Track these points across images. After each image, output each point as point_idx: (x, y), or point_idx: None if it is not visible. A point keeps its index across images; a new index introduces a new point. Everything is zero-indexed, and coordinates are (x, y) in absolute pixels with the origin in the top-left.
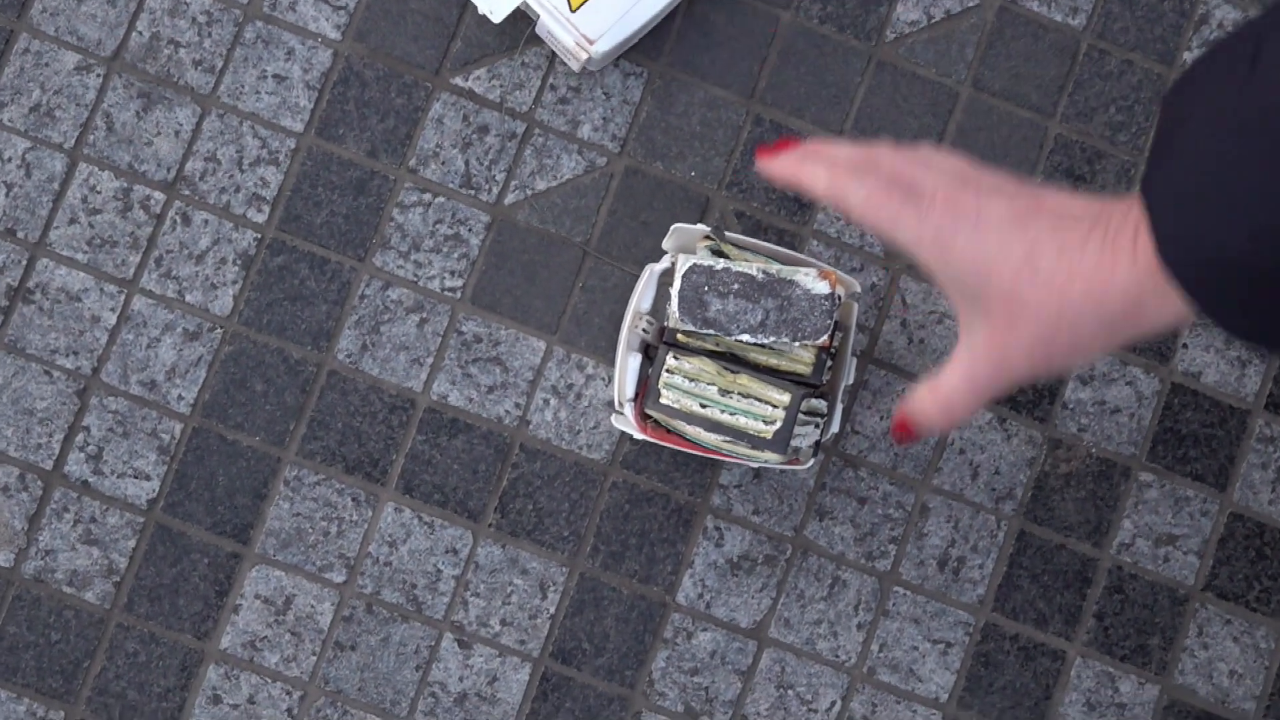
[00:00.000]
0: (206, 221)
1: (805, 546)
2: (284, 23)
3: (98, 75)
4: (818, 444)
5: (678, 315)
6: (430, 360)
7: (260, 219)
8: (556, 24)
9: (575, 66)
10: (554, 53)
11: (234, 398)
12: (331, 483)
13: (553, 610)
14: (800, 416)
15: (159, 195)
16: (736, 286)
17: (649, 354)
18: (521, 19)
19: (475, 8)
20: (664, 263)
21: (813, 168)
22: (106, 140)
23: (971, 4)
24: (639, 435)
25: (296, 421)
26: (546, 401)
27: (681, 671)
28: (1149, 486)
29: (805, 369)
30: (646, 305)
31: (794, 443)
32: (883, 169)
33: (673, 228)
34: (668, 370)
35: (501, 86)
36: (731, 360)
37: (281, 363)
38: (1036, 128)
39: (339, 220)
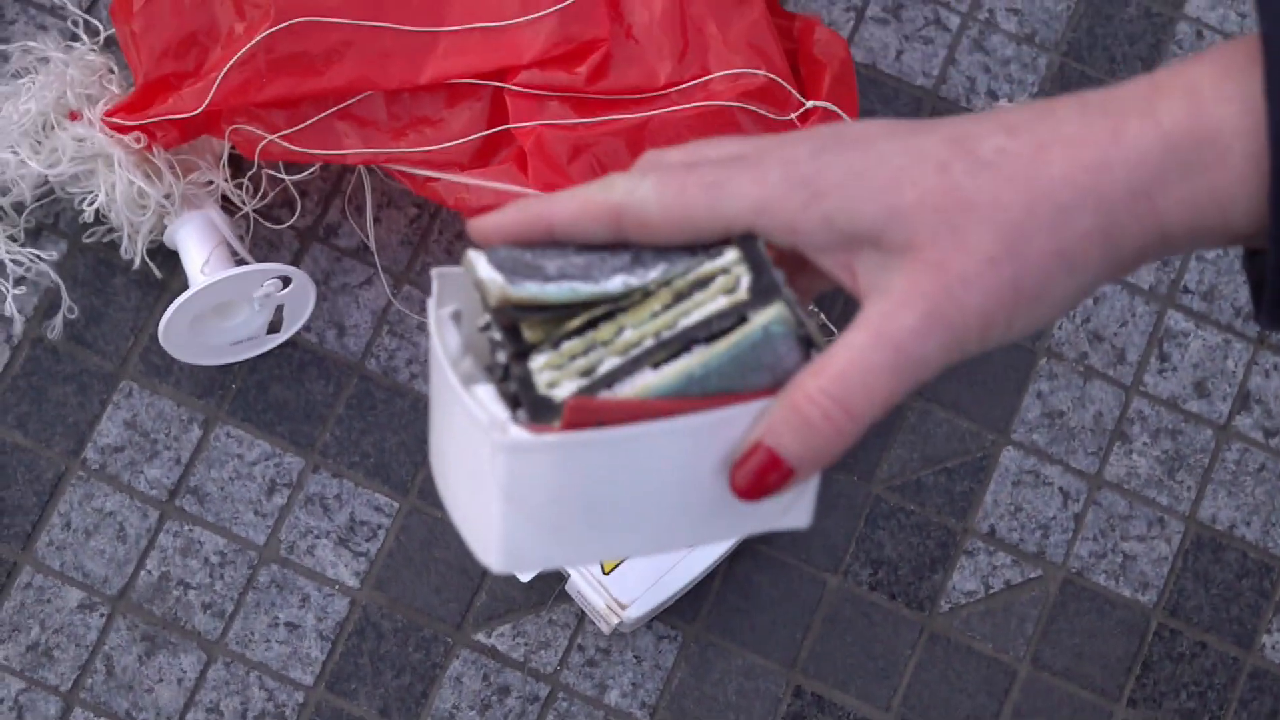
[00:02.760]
0: None
1: None
2: (301, 567)
3: (101, 615)
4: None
5: (502, 281)
6: None
7: None
8: (588, 585)
9: (605, 630)
10: (583, 611)
11: None
12: None
13: None
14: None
15: None
16: (574, 249)
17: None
18: (552, 574)
19: None
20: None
21: (557, 199)
22: (105, 685)
23: (1033, 575)
24: (549, 438)
25: None
26: None
27: None
28: None
29: (731, 287)
30: (456, 345)
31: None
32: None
33: (435, 273)
34: (543, 367)
35: (526, 645)
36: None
37: None
38: (1101, 711)
39: None
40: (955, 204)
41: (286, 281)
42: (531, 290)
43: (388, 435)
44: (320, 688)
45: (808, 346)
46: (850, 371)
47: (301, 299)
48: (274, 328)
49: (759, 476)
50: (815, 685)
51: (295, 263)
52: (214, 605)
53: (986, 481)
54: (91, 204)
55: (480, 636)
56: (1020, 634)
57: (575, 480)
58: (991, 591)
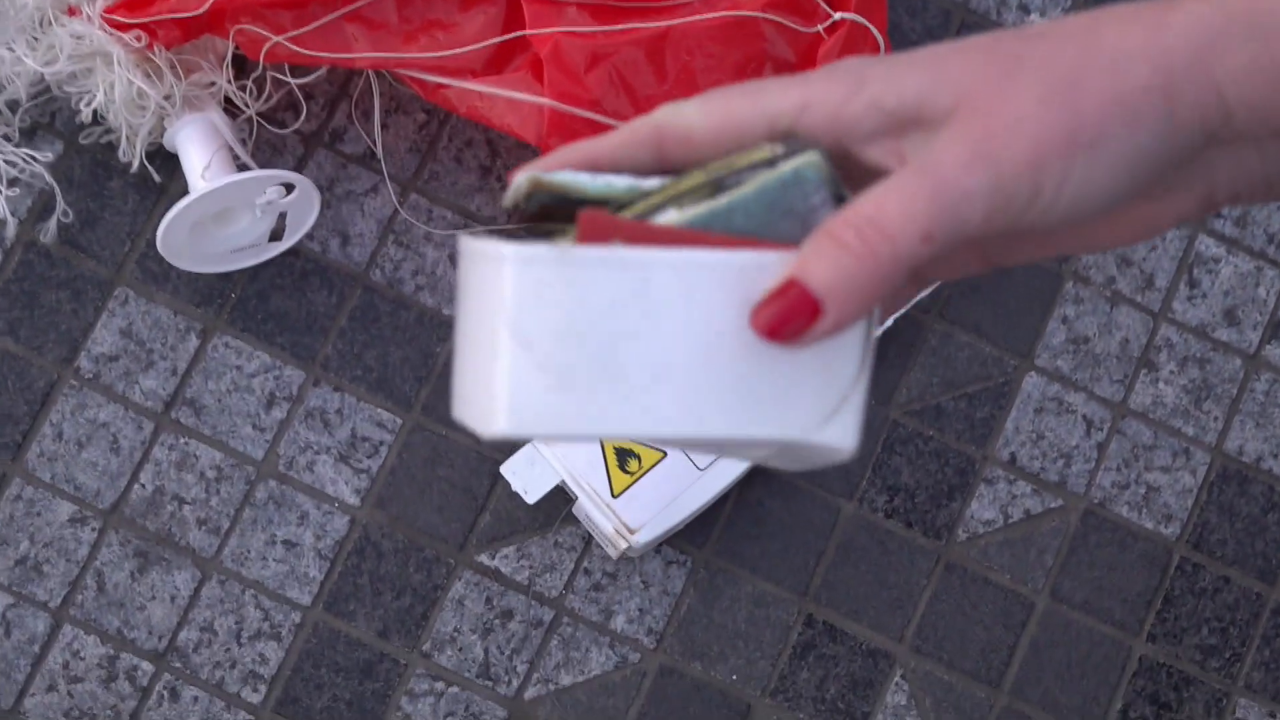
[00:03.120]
0: (196, 699)
1: None
2: (300, 484)
3: (93, 529)
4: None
5: (536, 172)
6: None
7: (255, 699)
8: (596, 509)
9: (613, 554)
10: (590, 534)
11: None
12: None
13: None
14: None
15: (147, 666)
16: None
17: None
18: (558, 495)
19: (508, 483)
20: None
21: (601, 137)
22: (96, 601)
23: (1054, 505)
24: (558, 249)
25: None
26: None
27: None
28: None
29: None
30: None
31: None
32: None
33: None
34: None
35: (531, 568)
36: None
37: None
38: (1119, 646)
39: (341, 706)
40: (1004, 60)
41: (290, 188)
42: (564, 178)
43: (391, 349)
44: (318, 608)
45: (841, 202)
46: (887, 197)
47: (305, 206)
48: (276, 235)
49: (785, 313)
50: (827, 614)
51: (299, 169)
52: (209, 521)
53: (1008, 408)
54: (89, 104)
55: (483, 558)
56: (1039, 565)
57: (586, 310)
58: (1010, 521)
